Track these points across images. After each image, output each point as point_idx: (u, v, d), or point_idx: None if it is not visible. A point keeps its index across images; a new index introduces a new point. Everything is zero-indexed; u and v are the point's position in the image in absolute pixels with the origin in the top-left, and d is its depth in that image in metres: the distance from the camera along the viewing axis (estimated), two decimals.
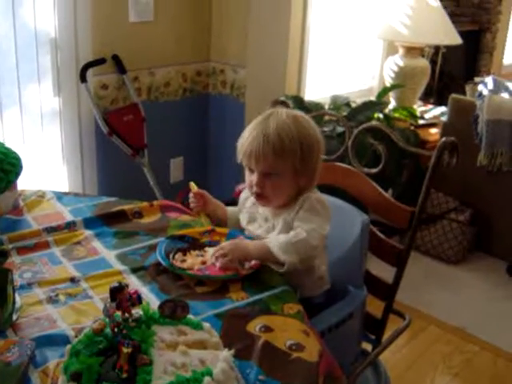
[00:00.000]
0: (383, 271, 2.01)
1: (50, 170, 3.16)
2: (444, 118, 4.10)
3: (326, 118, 3.35)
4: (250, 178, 1.75)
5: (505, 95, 3.71)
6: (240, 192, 3.20)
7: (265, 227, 1.81)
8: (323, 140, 1.78)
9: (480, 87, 3.77)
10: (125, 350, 1.11)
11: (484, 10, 5.90)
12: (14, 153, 1.58)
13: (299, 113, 1.79)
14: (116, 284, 1.21)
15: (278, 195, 1.74)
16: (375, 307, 2.02)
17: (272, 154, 1.68)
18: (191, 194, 1.90)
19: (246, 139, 1.72)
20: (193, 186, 1.91)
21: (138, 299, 1.22)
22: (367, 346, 2.04)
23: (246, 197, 1.92)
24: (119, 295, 1.19)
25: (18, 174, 1.52)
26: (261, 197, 1.75)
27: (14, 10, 2.79)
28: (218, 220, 1.94)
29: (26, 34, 2.88)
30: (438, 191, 3.82)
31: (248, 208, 1.89)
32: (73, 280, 1.61)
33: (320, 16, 4.20)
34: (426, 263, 3.77)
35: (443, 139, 1.82)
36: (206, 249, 1.76)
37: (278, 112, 1.76)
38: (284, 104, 2.18)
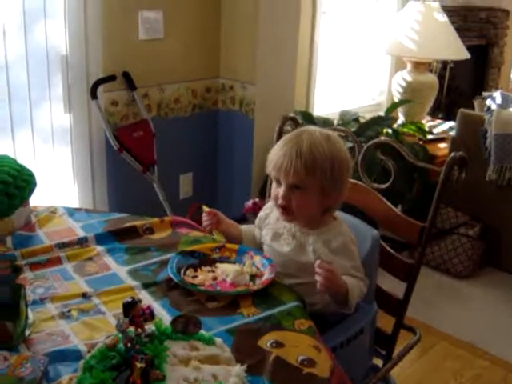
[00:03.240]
0: (393, 286, 2.01)
1: (61, 187, 3.18)
2: (452, 133, 4.10)
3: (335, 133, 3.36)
4: (277, 190, 1.76)
5: None
6: (250, 208, 3.24)
7: (293, 245, 1.80)
8: (352, 162, 1.82)
9: (488, 102, 3.78)
10: (138, 364, 1.12)
11: (491, 24, 5.92)
12: (28, 170, 1.59)
13: (331, 132, 1.81)
14: (129, 299, 1.21)
15: (302, 211, 1.75)
16: (386, 322, 2.02)
17: (303, 170, 1.69)
18: (204, 214, 1.91)
19: (278, 152, 1.74)
20: (204, 208, 1.94)
21: (150, 315, 1.23)
22: (378, 362, 2.03)
23: (268, 213, 1.93)
24: (132, 311, 1.20)
25: (31, 191, 1.53)
26: (285, 210, 1.76)
27: (25, 27, 2.82)
28: (233, 238, 1.95)
29: (37, 51, 2.90)
30: (447, 206, 3.81)
31: (272, 224, 1.89)
32: (85, 296, 1.61)
33: (328, 32, 4.23)
34: (435, 278, 3.76)
35: (452, 154, 1.82)
36: (217, 265, 1.77)
37: (311, 130, 1.78)
38: (294, 120, 2.19)
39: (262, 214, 1.97)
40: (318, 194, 1.72)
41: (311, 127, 1.82)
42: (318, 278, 1.60)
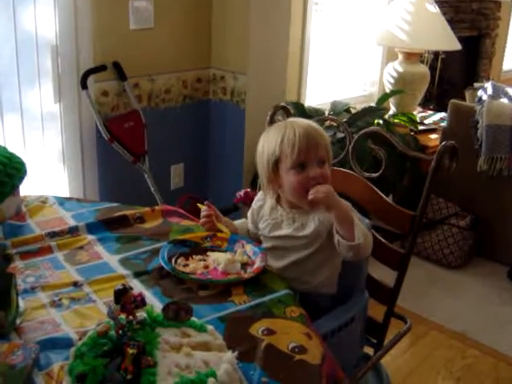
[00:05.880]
0: (385, 275, 2.01)
1: (51, 176, 3.17)
2: (444, 124, 4.11)
3: (327, 123, 3.36)
4: (302, 175, 1.75)
5: (504, 100, 3.72)
6: (241, 198, 3.23)
7: (294, 226, 1.82)
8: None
9: (479, 92, 3.79)
10: (130, 350, 1.12)
11: (483, 15, 5.94)
12: (18, 157, 1.59)
13: None
14: (120, 286, 1.21)
15: (329, 183, 1.76)
16: (377, 311, 2.03)
17: (323, 142, 1.78)
18: (203, 210, 1.90)
19: (293, 137, 1.74)
20: (201, 206, 1.92)
21: (142, 301, 1.23)
22: (369, 350, 2.04)
23: (261, 205, 1.93)
24: (124, 298, 1.20)
25: (22, 179, 1.53)
26: None
27: (15, 16, 2.80)
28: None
29: (27, 40, 2.88)
30: (438, 196, 3.83)
31: (268, 215, 1.89)
32: (76, 284, 1.62)
33: (320, 22, 4.22)
34: (427, 268, 3.77)
35: (443, 143, 1.83)
36: (208, 253, 1.77)
37: (292, 118, 1.90)
38: (285, 109, 2.19)
39: (254, 206, 1.96)
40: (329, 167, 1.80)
41: (290, 118, 1.94)
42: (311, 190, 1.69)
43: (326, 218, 1.76)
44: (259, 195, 1.98)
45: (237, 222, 2.03)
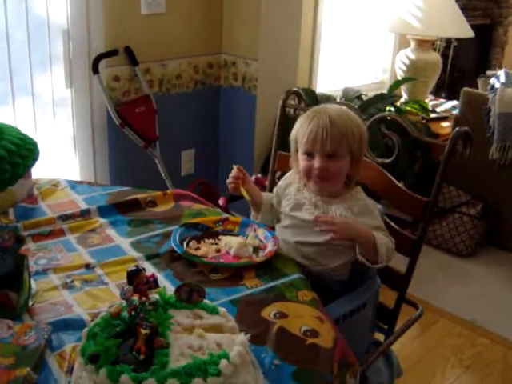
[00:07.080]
0: (396, 262, 2.00)
1: (62, 161, 3.17)
2: (456, 112, 4.08)
3: None
4: (309, 162, 1.80)
5: None
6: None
7: (315, 213, 1.83)
8: None
9: (492, 80, 3.75)
10: (143, 331, 1.12)
11: (496, 3, 5.88)
12: (31, 139, 1.58)
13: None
14: (133, 267, 1.21)
15: (337, 178, 1.81)
16: (388, 297, 2.03)
17: (338, 135, 1.75)
18: (233, 170, 1.93)
19: (308, 126, 1.78)
20: (234, 166, 1.95)
21: (154, 283, 1.23)
22: (380, 337, 2.04)
23: (288, 183, 1.95)
24: (136, 279, 1.20)
25: (34, 160, 1.52)
26: (322, 179, 1.80)
27: (26, 1, 2.79)
28: (254, 203, 2.00)
29: (38, 25, 2.88)
30: (449, 185, 3.81)
31: (292, 195, 1.91)
32: (88, 266, 1.62)
33: (332, 9, 4.19)
34: (437, 257, 3.76)
35: (457, 129, 1.81)
36: (220, 237, 1.77)
37: (328, 104, 1.89)
38: (297, 94, 2.18)
39: (281, 183, 1.99)
40: (348, 159, 1.80)
41: (327, 104, 1.91)
42: (321, 228, 1.69)
43: (348, 216, 1.78)
44: (288, 174, 2.00)
45: (264, 194, 2.06)
